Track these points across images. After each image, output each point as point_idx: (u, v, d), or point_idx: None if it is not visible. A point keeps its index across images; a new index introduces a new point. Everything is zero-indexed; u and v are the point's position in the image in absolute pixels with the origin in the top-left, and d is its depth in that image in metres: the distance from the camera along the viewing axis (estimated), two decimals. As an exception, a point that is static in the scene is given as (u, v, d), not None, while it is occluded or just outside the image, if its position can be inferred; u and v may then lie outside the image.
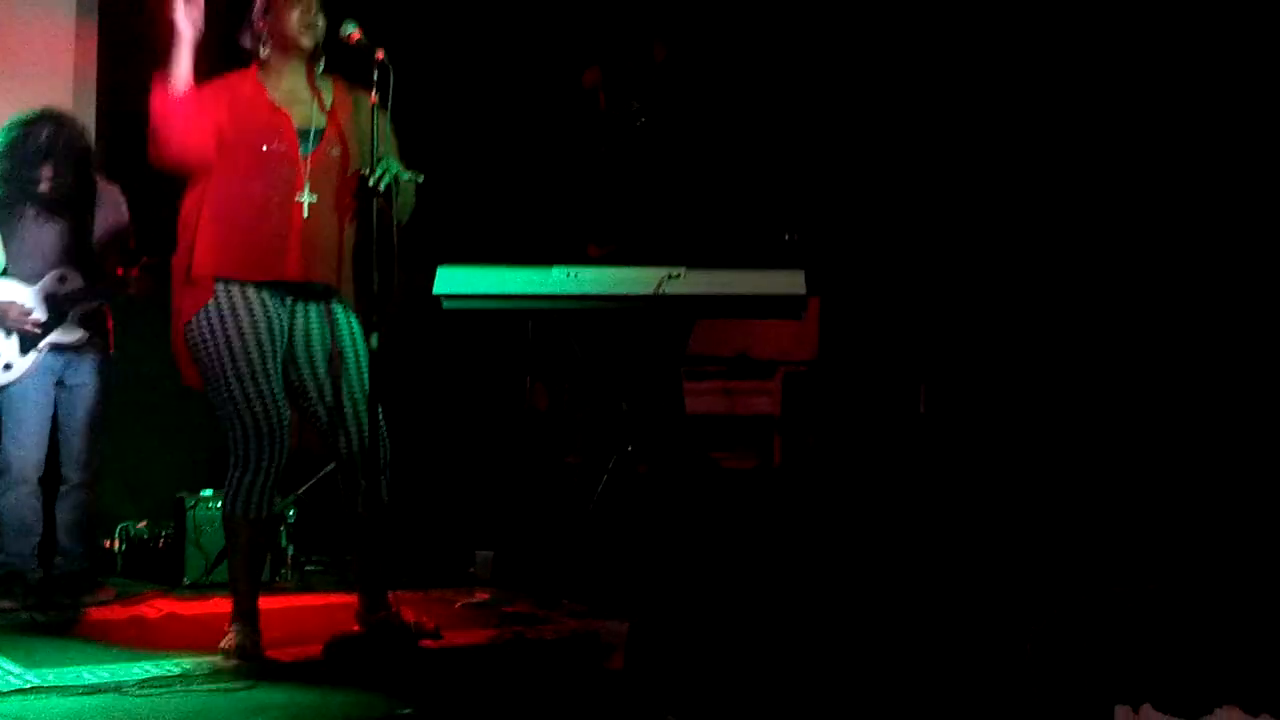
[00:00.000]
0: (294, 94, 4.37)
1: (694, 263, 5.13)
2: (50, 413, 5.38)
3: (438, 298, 5.17)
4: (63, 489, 5.44)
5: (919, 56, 6.16)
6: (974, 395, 5.88)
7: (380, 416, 4.37)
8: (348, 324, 4.41)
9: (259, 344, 4.27)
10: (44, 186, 5.33)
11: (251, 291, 4.29)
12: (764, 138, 6.45)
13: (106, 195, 5.51)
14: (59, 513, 5.44)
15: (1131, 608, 4.62)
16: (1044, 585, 5.04)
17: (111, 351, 5.51)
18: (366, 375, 4.38)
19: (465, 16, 6.97)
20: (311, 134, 4.33)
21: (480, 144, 6.73)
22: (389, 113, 4.42)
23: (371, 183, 4.22)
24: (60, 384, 5.39)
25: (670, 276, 5.06)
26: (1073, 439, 5.47)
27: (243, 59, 4.44)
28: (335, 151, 4.35)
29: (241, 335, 4.25)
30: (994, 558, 5.32)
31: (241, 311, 4.27)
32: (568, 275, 5.10)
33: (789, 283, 5.11)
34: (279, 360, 4.34)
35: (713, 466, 5.80)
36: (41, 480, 5.40)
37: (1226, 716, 3.16)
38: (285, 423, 4.32)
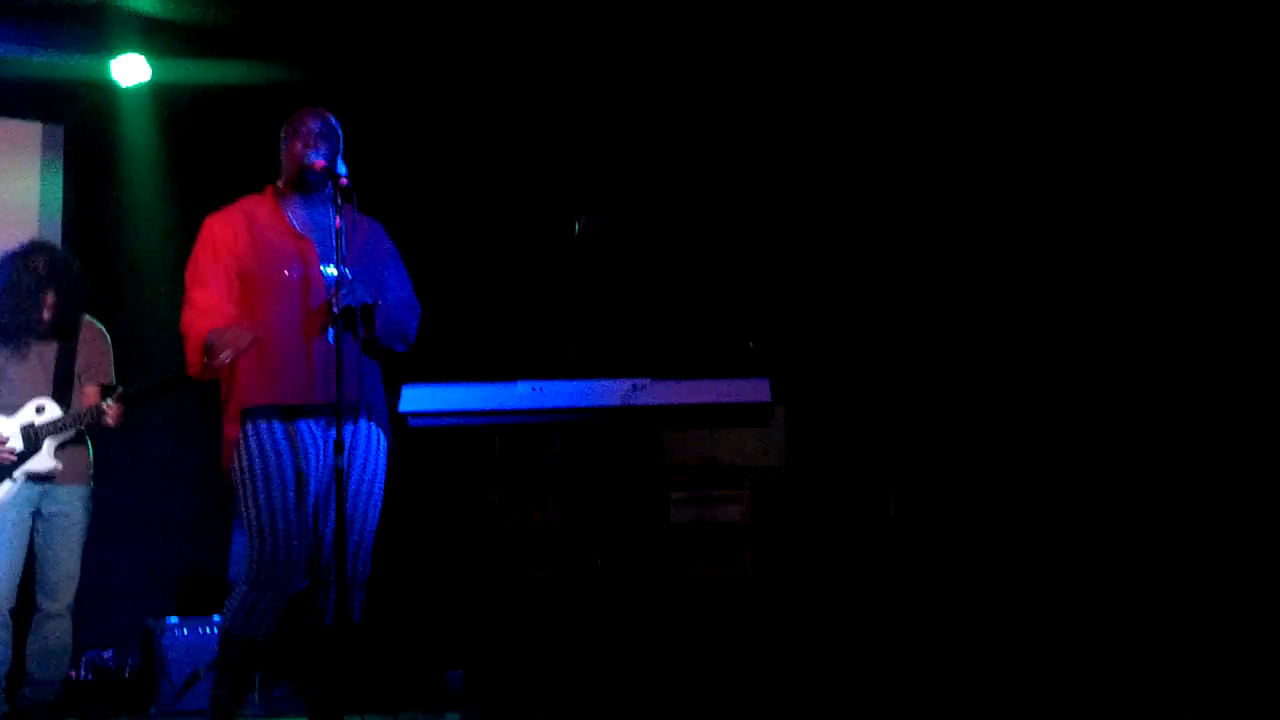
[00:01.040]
0: (311, 221, 4.44)
1: (659, 373, 5.14)
2: (24, 543, 5.35)
3: (404, 416, 5.17)
4: (36, 617, 5.39)
5: (872, 161, 6.26)
6: (944, 499, 5.89)
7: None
8: (367, 441, 4.43)
9: (293, 472, 4.29)
10: (47, 314, 5.39)
11: (285, 419, 4.31)
12: (725, 248, 6.52)
13: (88, 328, 5.55)
14: (31, 642, 5.38)
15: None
16: (1020, 687, 5.03)
17: (91, 482, 5.49)
18: (379, 491, 4.42)
19: (428, 132, 7.08)
20: (334, 258, 4.35)
21: (441, 262, 6.79)
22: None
23: (336, 309, 4.24)
24: (38, 514, 5.37)
25: (635, 388, 5.07)
26: (1041, 542, 5.47)
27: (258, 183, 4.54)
28: (346, 273, 4.35)
29: (278, 464, 4.28)
30: (968, 661, 5.31)
31: (280, 440, 4.30)
32: (533, 389, 5.11)
33: (754, 391, 5.11)
34: (312, 489, 4.34)
35: (691, 576, 5.76)
36: (12, 612, 5.35)
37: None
38: (304, 555, 4.31)
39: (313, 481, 4.35)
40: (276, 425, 4.32)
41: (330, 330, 4.28)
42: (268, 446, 4.30)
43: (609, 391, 5.08)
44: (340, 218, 4.29)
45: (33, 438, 5.32)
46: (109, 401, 5.32)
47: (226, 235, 4.42)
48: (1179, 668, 4.83)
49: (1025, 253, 5.73)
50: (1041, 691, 4.96)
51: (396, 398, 5.17)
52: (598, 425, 5.25)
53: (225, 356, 4.22)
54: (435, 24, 6.79)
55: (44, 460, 5.34)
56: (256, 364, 4.32)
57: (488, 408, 5.15)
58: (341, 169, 4.45)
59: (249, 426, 4.31)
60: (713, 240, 6.54)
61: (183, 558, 6.57)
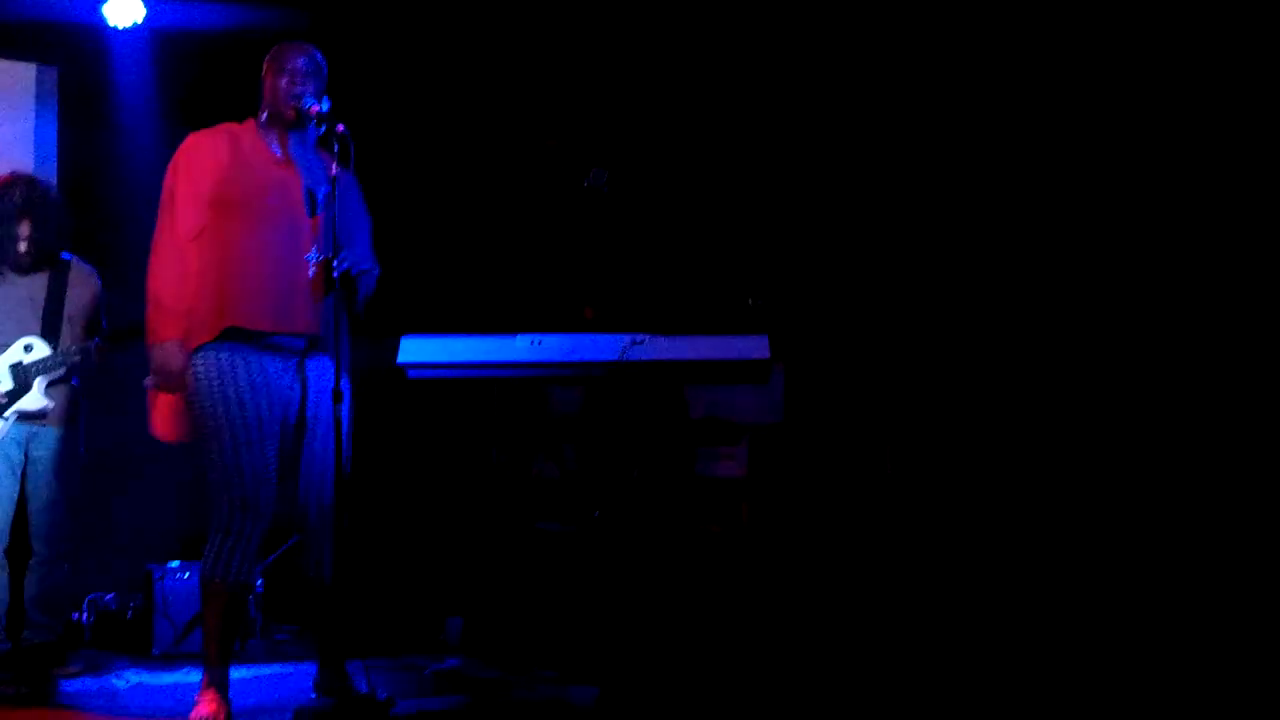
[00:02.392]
0: (302, 155, 4.46)
1: (658, 329, 5.18)
2: (16, 485, 5.38)
3: (402, 367, 5.21)
4: (32, 562, 5.44)
5: (876, 121, 6.26)
6: (941, 456, 5.94)
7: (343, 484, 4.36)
8: (331, 386, 4.38)
9: (259, 405, 4.30)
10: (22, 246, 5.37)
11: (248, 351, 4.31)
12: (726, 203, 6.53)
13: (78, 271, 5.54)
14: (28, 586, 5.44)
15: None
16: (1015, 645, 5.10)
17: (79, 424, 5.52)
18: (343, 442, 4.36)
19: (430, 84, 7.05)
20: (318, 197, 4.40)
21: (443, 214, 6.81)
22: (359, 187, 4.53)
23: (336, 273, 4.27)
24: (27, 457, 5.40)
25: (634, 343, 5.11)
26: (1039, 498, 5.52)
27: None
28: (334, 218, 4.36)
29: (240, 394, 4.27)
30: (965, 619, 5.38)
31: (241, 373, 4.29)
32: (532, 343, 5.15)
33: (753, 347, 5.15)
34: (277, 426, 4.36)
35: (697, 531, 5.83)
36: (9, 553, 5.40)
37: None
38: (272, 491, 4.33)
39: (269, 418, 4.33)
40: (239, 355, 4.30)
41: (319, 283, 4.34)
42: (229, 378, 4.27)
43: (608, 346, 5.13)
44: (336, 166, 4.31)
45: (22, 377, 5.33)
46: (98, 341, 5.33)
47: (207, 157, 4.39)
48: (1177, 626, 4.90)
49: (1025, 210, 5.75)
50: (1037, 647, 5.03)
51: (396, 349, 5.22)
52: (597, 379, 5.31)
53: (149, 382, 4.32)
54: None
55: (35, 399, 5.35)
56: (228, 287, 4.30)
57: (486, 360, 5.20)
58: (326, 106, 4.45)
59: (212, 355, 4.29)
60: (714, 196, 6.54)
61: (185, 502, 6.60)
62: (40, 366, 5.34)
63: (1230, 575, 4.91)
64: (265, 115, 4.50)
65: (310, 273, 4.36)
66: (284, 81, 4.44)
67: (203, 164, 4.38)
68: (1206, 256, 5.18)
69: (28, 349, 5.36)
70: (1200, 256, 5.20)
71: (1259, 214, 5.08)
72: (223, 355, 4.29)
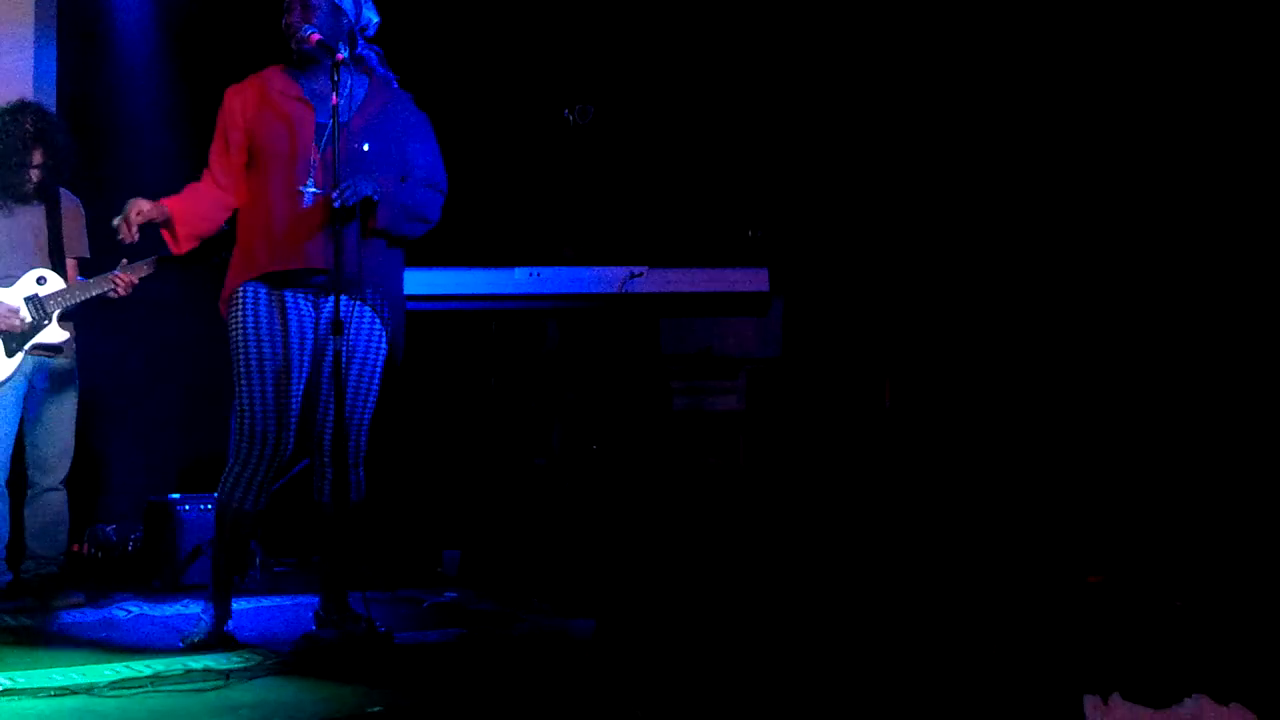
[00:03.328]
0: (324, 87, 4.41)
1: (657, 261, 5.16)
2: (18, 416, 5.38)
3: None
4: (31, 493, 5.45)
5: (879, 53, 6.20)
6: (939, 389, 5.92)
7: (368, 414, 4.46)
8: (358, 320, 4.44)
9: (275, 341, 4.38)
10: (34, 174, 5.36)
11: (271, 292, 4.39)
12: (726, 135, 6.48)
13: (67, 201, 5.52)
14: (28, 517, 5.45)
15: (1101, 598, 4.68)
16: (1013, 577, 5.10)
17: (75, 355, 5.51)
18: (369, 370, 4.45)
19: (426, 26, 6.99)
20: (330, 127, 4.34)
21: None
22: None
23: (337, 203, 4.24)
24: (30, 388, 5.40)
25: (633, 275, 5.10)
26: (1039, 431, 5.51)
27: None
28: (362, 146, 4.38)
29: (259, 330, 4.37)
30: (962, 550, 5.38)
31: (263, 312, 4.39)
32: (530, 275, 5.13)
33: (752, 280, 5.15)
34: (301, 358, 4.43)
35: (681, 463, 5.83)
36: (9, 484, 5.41)
37: (1196, 706, 3.19)
38: (288, 424, 4.42)
39: (295, 355, 4.42)
40: (262, 295, 4.40)
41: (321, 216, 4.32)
42: (249, 318, 4.38)
43: (606, 279, 5.12)
44: (338, 94, 4.27)
45: (39, 309, 5.32)
46: (120, 272, 5.30)
47: (236, 106, 4.49)
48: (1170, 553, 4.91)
49: (1023, 145, 5.71)
50: (1032, 586, 5.03)
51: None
52: (595, 312, 5.29)
53: (116, 221, 4.35)
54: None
55: (54, 332, 5.33)
56: (253, 233, 4.41)
57: (484, 292, 5.20)
58: (372, 18, 4.51)
59: (238, 296, 4.40)
60: (712, 129, 6.50)
61: (186, 435, 6.62)
62: (57, 299, 5.31)
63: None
64: (293, 51, 4.50)
65: (307, 204, 4.34)
66: (285, 19, 4.45)
67: (233, 116, 4.48)
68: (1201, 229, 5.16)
69: (40, 281, 5.34)
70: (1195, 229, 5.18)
71: (1259, 213, 5.05)
72: (246, 296, 4.40)
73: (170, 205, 4.42)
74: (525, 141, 6.56)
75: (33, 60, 6.76)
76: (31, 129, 5.35)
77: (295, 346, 4.43)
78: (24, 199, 5.38)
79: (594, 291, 5.13)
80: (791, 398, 5.97)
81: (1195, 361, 5.21)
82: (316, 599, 4.61)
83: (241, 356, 4.38)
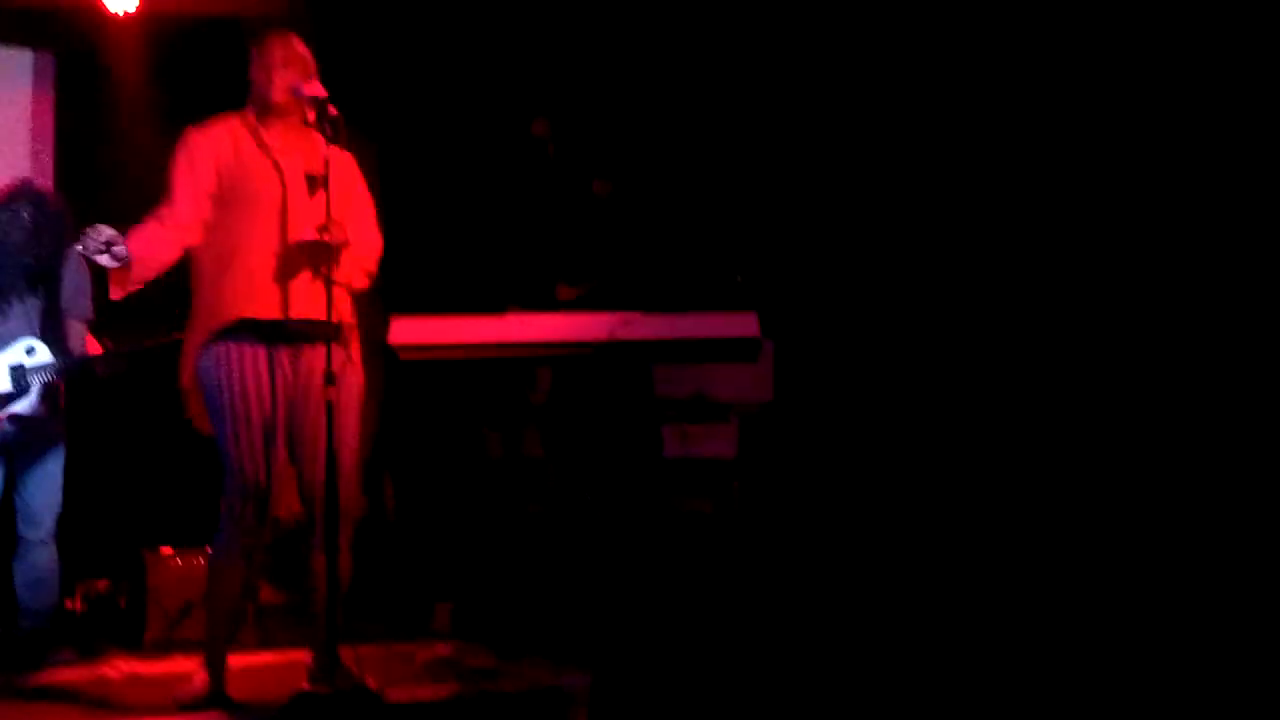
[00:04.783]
0: (285, 142, 4.46)
1: (647, 307, 5.15)
2: (5, 473, 5.35)
3: (393, 348, 5.18)
4: (20, 548, 5.40)
5: (863, 97, 6.21)
6: (931, 435, 5.89)
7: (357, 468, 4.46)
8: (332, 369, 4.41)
9: (261, 396, 4.36)
10: (34, 264, 5.34)
11: (247, 343, 4.36)
12: (713, 180, 6.49)
13: (69, 258, 5.51)
14: (17, 572, 5.40)
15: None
16: (1008, 626, 5.05)
17: (63, 407, 5.49)
18: (348, 423, 4.40)
19: (419, 70, 7.03)
20: (303, 177, 4.41)
21: (431, 196, 6.77)
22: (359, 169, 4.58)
23: (323, 236, 4.25)
24: (17, 443, 5.37)
25: (624, 322, 5.09)
26: (1029, 474, 5.48)
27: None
28: (319, 199, 4.36)
29: (244, 386, 4.35)
30: (954, 598, 5.33)
31: (249, 362, 4.36)
32: (521, 322, 5.13)
33: (742, 325, 5.13)
34: (276, 409, 4.39)
35: (674, 510, 5.80)
36: (-2, 541, 5.39)
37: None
38: (268, 476, 4.39)
39: (278, 408, 4.39)
40: (239, 349, 4.36)
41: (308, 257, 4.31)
42: (229, 373, 4.35)
43: (597, 325, 5.11)
44: (327, 147, 4.30)
45: (22, 379, 5.29)
46: (100, 357, 5.32)
47: (207, 149, 4.47)
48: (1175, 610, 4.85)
49: (1013, 187, 5.69)
50: (1027, 632, 4.98)
51: (385, 329, 5.19)
52: (585, 359, 5.28)
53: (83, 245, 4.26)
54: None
55: (32, 404, 5.30)
56: (225, 281, 4.37)
57: (476, 340, 5.18)
58: (313, 90, 4.45)
59: (212, 348, 4.37)
60: (701, 173, 6.50)
61: (178, 486, 6.58)
62: (41, 372, 5.29)
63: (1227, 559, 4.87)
64: (256, 106, 4.53)
65: (294, 255, 4.34)
66: (264, 73, 4.49)
67: (203, 158, 4.46)
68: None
69: (30, 351, 5.32)
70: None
71: (1259, 214, 5.03)
72: (222, 348, 4.37)
73: (131, 248, 4.31)
74: (512, 191, 6.57)
75: (29, 114, 6.83)
76: (30, 223, 5.31)
77: (268, 395, 4.38)
78: (30, 285, 5.37)
79: (585, 339, 5.12)
80: (784, 443, 5.94)
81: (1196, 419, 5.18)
82: (309, 653, 4.56)
83: (226, 412, 4.35)
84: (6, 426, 5.28)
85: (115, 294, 4.43)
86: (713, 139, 6.54)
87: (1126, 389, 5.33)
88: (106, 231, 4.26)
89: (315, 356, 4.41)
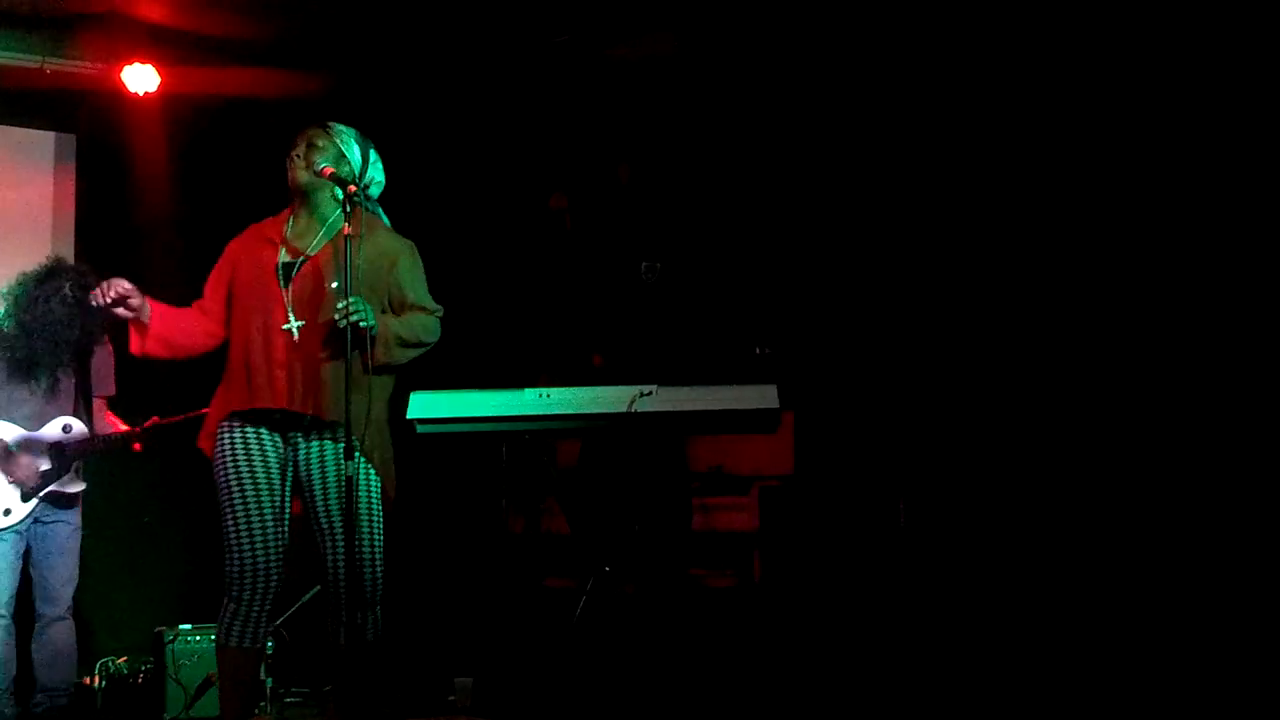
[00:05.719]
0: (307, 225, 4.50)
1: (666, 380, 5.15)
2: (23, 548, 5.35)
3: (411, 423, 5.18)
4: (38, 625, 5.40)
5: (885, 164, 6.24)
6: (955, 507, 5.86)
7: (376, 550, 4.39)
8: (335, 455, 4.37)
9: (254, 480, 4.36)
10: (78, 336, 5.39)
11: (250, 430, 4.38)
12: (733, 253, 6.51)
13: (100, 334, 5.55)
14: (35, 649, 5.39)
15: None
16: (1022, 695, 5.01)
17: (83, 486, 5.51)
18: (361, 508, 4.36)
19: (436, 143, 7.09)
20: (295, 266, 4.41)
21: (448, 269, 6.80)
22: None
23: (339, 320, 4.24)
24: (36, 520, 5.38)
25: (642, 394, 5.08)
26: (1052, 552, 5.44)
27: None
28: (330, 282, 4.37)
29: (238, 472, 4.36)
30: (975, 668, 5.28)
31: (239, 449, 4.37)
32: (540, 396, 5.12)
33: (762, 397, 5.11)
34: (278, 495, 4.39)
35: (695, 584, 5.78)
36: (16, 617, 5.37)
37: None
38: (277, 558, 4.37)
39: (279, 490, 4.39)
40: (241, 434, 4.38)
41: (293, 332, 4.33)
42: (232, 457, 4.38)
43: (617, 398, 5.10)
44: (348, 225, 4.30)
45: (61, 457, 5.33)
46: (135, 431, 5.37)
47: (230, 253, 4.56)
48: (1183, 675, 4.81)
49: (1034, 259, 5.70)
50: (1047, 701, 4.93)
51: (404, 404, 5.19)
52: (605, 432, 5.27)
53: (103, 294, 4.32)
54: (445, 32, 6.79)
55: (73, 481, 5.37)
56: (231, 373, 4.42)
57: (495, 414, 5.18)
58: (378, 177, 4.59)
59: (219, 434, 4.40)
60: (721, 246, 6.52)
61: (195, 564, 6.58)
62: (79, 448, 5.34)
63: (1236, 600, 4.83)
64: (292, 198, 4.58)
65: (285, 345, 4.35)
66: (288, 157, 4.52)
67: (225, 260, 4.56)
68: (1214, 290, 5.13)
69: (66, 429, 5.37)
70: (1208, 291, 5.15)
71: (1259, 216, 5.03)
72: (226, 435, 4.40)
73: (154, 305, 4.42)
74: (532, 267, 6.60)
75: (51, 194, 6.91)
76: (72, 296, 5.35)
77: (269, 484, 4.39)
78: (67, 362, 5.41)
79: (604, 412, 5.11)
80: (805, 515, 5.91)
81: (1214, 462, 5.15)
82: (328, 729, 4.55)
83: (227, 495, 4.36)
84: (40, 508, 5.31)
85: (134, 347, 4.47)
86: (735, 212, 6.57)
87: (1148, 447, 5.32)
88: (123, 284, 4.33)
89: (314, 443, 4.41)
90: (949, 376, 5.99)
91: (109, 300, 4.33)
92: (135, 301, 4.35)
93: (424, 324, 4.55)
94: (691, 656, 5.39)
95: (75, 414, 5.41)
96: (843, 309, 6.33)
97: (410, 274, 4.58)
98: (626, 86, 6.75)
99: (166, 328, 4.45)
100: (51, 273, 5.43)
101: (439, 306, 4.60)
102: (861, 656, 5.46)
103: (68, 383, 5.43)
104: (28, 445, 5.31)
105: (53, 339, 5.35)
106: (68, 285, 5.39)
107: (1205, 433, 5.19)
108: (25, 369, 5.36)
